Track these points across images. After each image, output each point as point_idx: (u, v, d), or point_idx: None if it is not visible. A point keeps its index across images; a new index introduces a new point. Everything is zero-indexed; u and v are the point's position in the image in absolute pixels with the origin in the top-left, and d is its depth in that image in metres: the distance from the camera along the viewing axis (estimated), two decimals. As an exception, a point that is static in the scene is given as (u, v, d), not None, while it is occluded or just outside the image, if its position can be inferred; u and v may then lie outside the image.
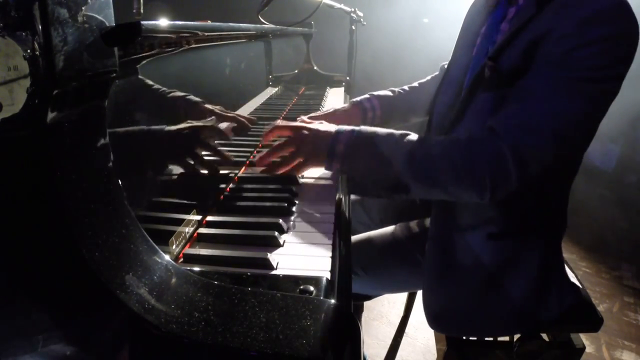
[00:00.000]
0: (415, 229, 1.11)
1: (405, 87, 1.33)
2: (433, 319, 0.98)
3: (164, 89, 0.76)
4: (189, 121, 0.84)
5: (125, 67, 0.61)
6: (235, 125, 1.11)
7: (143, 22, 0.55)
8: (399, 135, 0.85)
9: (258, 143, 1.14)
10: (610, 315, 2.11)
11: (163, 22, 0.68)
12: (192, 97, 0.88)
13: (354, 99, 1.27)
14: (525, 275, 0.91)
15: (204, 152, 0.91)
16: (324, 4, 1.59)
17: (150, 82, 0.71)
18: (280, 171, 0.91)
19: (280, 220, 0.75)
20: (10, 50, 0.39)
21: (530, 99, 0.77)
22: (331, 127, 0.89)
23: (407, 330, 1.84)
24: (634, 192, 3.23)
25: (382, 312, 2.05)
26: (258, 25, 1.38)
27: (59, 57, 0.41)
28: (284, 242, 0.71)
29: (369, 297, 1.24)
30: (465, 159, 0.78)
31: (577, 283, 1.04)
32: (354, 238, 1.13)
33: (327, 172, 1.01)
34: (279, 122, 0.91)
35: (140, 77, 0.67)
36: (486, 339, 1.17)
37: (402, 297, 1.99)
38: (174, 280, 0.51)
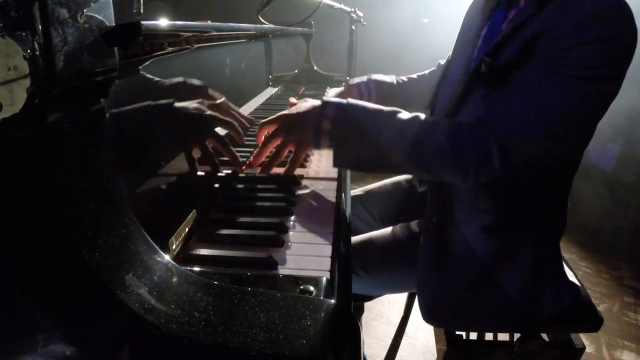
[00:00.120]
0: (415, 229, 1.11)
1: (404, 78, 1.33)
2: (427, 312, 0.99)
3: (163, 80, 0.75)
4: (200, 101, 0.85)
5: (125, 67, 0.61)
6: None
7: (143, 22, 0.55)
8: (388, 113, 0.85)
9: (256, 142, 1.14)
10: (610, 315, 2.11)
11: (163, 22, 0.68)
12: (193, 80, 0.88)
13: (352, 81, 1.28)
14: (519, 270, 0.91)
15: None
16: (324, 4, 1.59)
17: (150, 76, 0.70)
18: (275, 164, 0.91)
19: (281, 220, 0.75)
20: (10, 50, 0.39)
21: (520, 90, 0.78)
22: (316, 103, 0.89)
23: (407, 330, 1.84)
24: (634, 192, 3.23)
25: (382, 312, 2.05)
26: (258, 25, 1.38)
27: (59, 57, 0.41)
28: (284, 242, 0.71)
29: (370, 298, 1.24)
30: (451, 142, 0.80)
31: (577, 283, 1.04)
32: (355, 238, 1.13)
33: (327, 172, 1.02)
34: (263, 120, 0.92)
35: (140, 76, 0.67)
36: (486, 338, 1.17)
37: (402, 297, 1.99)
38: (174, 280, 0.51)
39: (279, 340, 0.44)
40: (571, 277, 1.03)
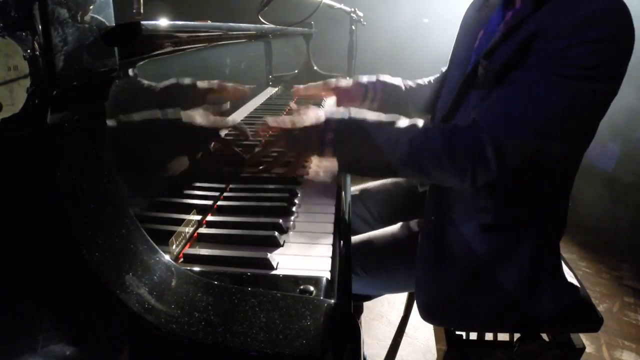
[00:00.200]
0: (415, 229, 1.11)
1: (411, 83, 1.32)
2: (425, 311, 0.99)
3: (156, 84, 0.75)
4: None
5: (125, 67, 0.61)
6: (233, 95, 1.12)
7: (143, 22, 0.55)
8: (387, 122, 0.86)
9: (258, 143, 1.14)
10: (610, 315, 2.11)
11: (163, 22, 0.68)
12: (183, 81, 0.88)
13: (359, 78, 1.27)
14: (517, 269, 0.91)
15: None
16: (324, 4, 1.59)
17: (143, 81, 0.70)
18: (276, 166, 0.92)
19: (280, 220, 0.75)
20: (10, 50, 0.39)
21: (516, 90, 0.78)
22: (320, 117, 0.90)
23: (407, 330, 1.83)
24: (634, 192, 3.23)
25: (382, 312, 2.05)
26: (258, 25, 1.38)
27: (59, 57, 0.41)
28: (284, 242, 0.71)
29: (369, 298, 1.24)
30: (446, 146, 0.80)
31: (577, 283, 1.04)
32: (354, 238, 1.13)
33: (327, 171, 1.02)
34: (269, 120, 0.92)
35: (135, 77, 0.67)
36: (486, 338, 1.17)
37: (402, 297, 1.99)
38: (174, 280, 0.51)
39: (279, 340, 0.44)
40: (571, 277, 1.03)
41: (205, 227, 0.76)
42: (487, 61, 0.85)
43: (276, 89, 1.85)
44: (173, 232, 0.66)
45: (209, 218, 0.79)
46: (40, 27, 0.40)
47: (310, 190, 0.91)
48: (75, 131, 0.46)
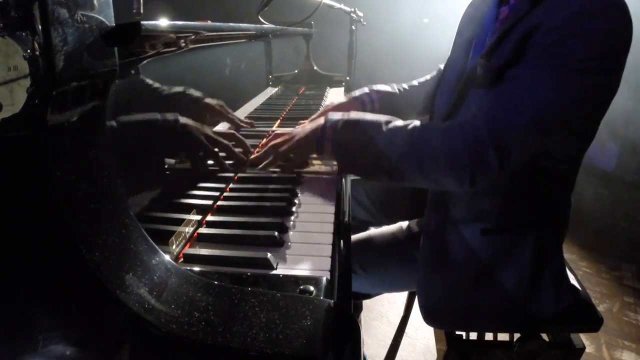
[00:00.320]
0: (415, 229, 1.11)
1: (405, 85, 1.33)
2: (427, 313, 0.99)
3: (163, 87, 0.76)
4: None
5: (125, 67, 0.61)
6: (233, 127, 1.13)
7: (143, 22, 0.55)
8: (384, 121, 0.86)
9: (258, 143, 1.14)
10: (610, 315, 2.11)
11: (163, 22, 0.68)
12: (192, 91, 0.88)
13: (353, 94, 1.28)
14: (519, 270, 0.91)
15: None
16: (324, 4, 1.59)
17: (150, 81, 0.71)
18: (275, 164, 0.96)
19: (280, 220, 0.75)
20: (10, 50, 0.39)
21: (515, 85, 0.77)
22: (319, 121, 0.93)
23: (407, 330, 1.83)
24: (634, 192, 3.23)
25: (382, 312, 2.05)
26: (258, 25, 1.38)
27: (59, 57, 0.41)
28: (284, 242, 0.71)
29: (369, 296, 1.24)
30: (443, 144, 0.79)
31: (577, 283, 1.04)
32: (354, 237, 1.13)
33: (327, 171, 1.02)
34: (274, 138, 0.99)
35: (140, 76, 0.67)
36: (486, 338, 1.17)
37: (402, 297, 1.99)
38: (174, 280, 0.51)
39: (279, 340, 0.44)
40: (571, 277, 1.02)
41: (205, 227, 0.76)
42: (485, 61, 0.84)
43: (276, 89, 1.85)
44: (173, 232, 0.66)
45: (209, 218, 0.79)
46: (40, 27, 0.40)
47: (310, 190, 0.91)
48: (75, 131, 0.46)
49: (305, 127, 0.96)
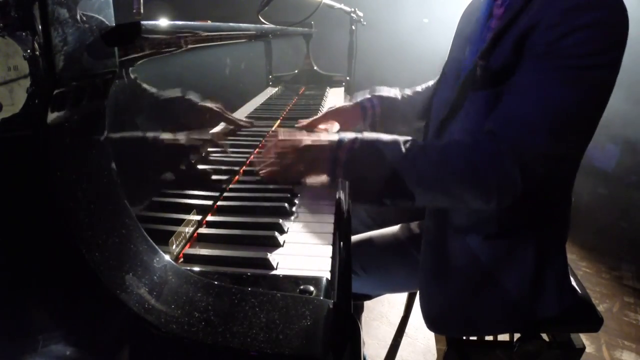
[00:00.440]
0: (415, 230, 1.11)
1: (409, 92, 1.32)
2: (430, 321, 0.98)
3: (160, 91, 0.76)
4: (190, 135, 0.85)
5: (125, 67, 0.61)
6: (232, 127, 1.12)
7: (143, 22, 0.55)
8: (402, 143, 0.82)
9: (258, 143, 1.14)
10: (610, 315, 2.11)
11: (163, 22, 0.68)
12: (190, 97, 0.88)
13: (355, 98, 1.27)
14: (521, 273, 0.91)
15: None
16: (324, 4, 1.59)
17: (146, 86, 0.70)
18: (279, 177, 0.86)
19: (280, 220, 0.75)
20: (10, 50, 0.39)
21: (522, 94, 0.76)
22: (333, 137, 0.85)
23: (407, 330, 1.83)
24: (634, 192, 3.23)
25: (382, 312, 2.05)
26: (258, 25, 1.38)
27: (59, 57, 0.41)
28: (284, 242, 0.71)
29: (369, 297, 1.24)
30: (468, 165, 0.77)
31: (577, 283, 1.04)
32: (354, 238, 1.13)
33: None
34: (281, 137, 0.87)
35: (137, 81, 0.67)
36: (486, 338, 1.17)
37: (402, 297, 1.99)
38: (174, 280, 0.51)
39: (279, 340, 0.44)
40: (571, 277, 1.02)
41: (205, 227, 0.76)
42: (484, 61, 0.84)
43: (276, 89, 1.85)
44: (173, 232, 0.66)
45: (209, 218, 0.79)
46: (40, 27, 0.40)
47: (311, 190, 0.91)
48: (75, 131, 0.46)
49: (312, 142, 0.86)
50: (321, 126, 1.18)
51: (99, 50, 0.47)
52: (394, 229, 1.14)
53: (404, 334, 1.78)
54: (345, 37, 2.60)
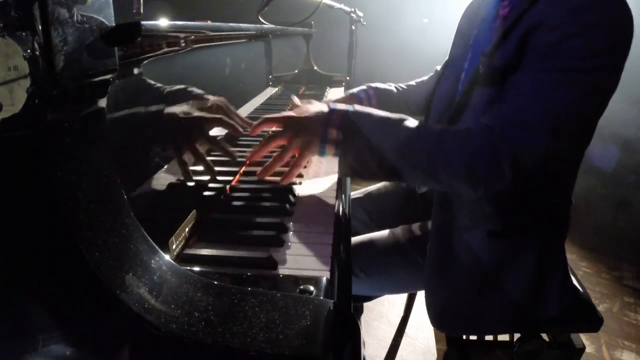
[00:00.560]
0: (416, 232, 1.11)
1: (403, 85, 1.33)
2: (435, 318, 0.98)
3: (165, 86, 0.76)
4: (197, 110, 0.84)
5: (125, 67, 0.61)
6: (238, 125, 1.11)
7: (143, 22, 0.55)
8: (396, 120, 0.83)
9: (258, 143, 1.13)
10: (610, 315, 2.11)
11: (163, 22, 0.68)
12: (194, 88, 0.88)
13: (351, 90, 1.28)
14: (525, 273, 0.91)
15: (207, 151, 0.91)
16: (324, 4, 1.59)
17: (151, 81, 0.71)
18: (275, 168, 0.88)
19: (280, 220, 0.75)
20: (10, 50, 0.39)
21: (523, 93, 0.77)
22: (323, 108, 0.86)
23: (407, 330, 1.84)
24: (634, 192, 3.23)
25: (382, 313, 2.05)
26: (258, 25, 1.38)
27: (59, 57, 0.41)
28: (284, 242, 0.71)
29: (370, 298, 1.24)
30: (461, 152, 0.78)
31: (577, 283, 1.04)
32: (355, 239, 1.13)
33: (327, 172, 1.01)
34: (268, 115, 0.89)
35: (140, 76, 0.67)
36: (486, 338, 1.17)
37: (402, 297, 1.99)
38: (174, 280, 0.51)
39: (279, 340, 0.44)
40: (571, 277, 1.02)
41: (206, 227, 0.76)
42: (488, 59, 0.84)
43: (276, 89, 1.85)
44: (173, 232, 0.66)
45: (209, 218, 0.78)
46: (40, 27, 0.40)
47: (311, 190, 0.91)
48: (75, 131, 0.46)
49: (305, 108, 0.87)
50: None
51: (99, 50, 0.47)
52: (395, 230, 1.14)
53: (404, 334, 1.78)
54: (345, 37, 2.61)
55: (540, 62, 0.75)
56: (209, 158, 0.92)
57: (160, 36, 0.70)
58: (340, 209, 0.85)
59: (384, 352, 1.73)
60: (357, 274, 1.08)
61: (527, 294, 0.92)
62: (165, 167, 0.78)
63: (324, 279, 0.59)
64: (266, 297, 0.50)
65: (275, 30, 1.63)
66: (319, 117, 0.84)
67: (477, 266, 0.93)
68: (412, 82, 1.34)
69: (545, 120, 0.75)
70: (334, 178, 0.97)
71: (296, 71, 2.26)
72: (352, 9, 2.41)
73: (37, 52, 0.40)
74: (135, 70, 0.65)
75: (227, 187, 0.91)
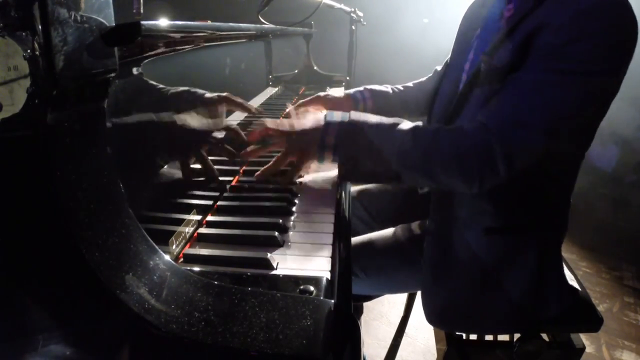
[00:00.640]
0: (416, 231, 1.11)
1: (400, 87, 1.33)
2: (431, 316, 0.99)
3: (167, 87, 0.76)
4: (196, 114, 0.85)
5: (125, 66, 0.61)
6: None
7: (143, 22, 0.55)
8: (390, 124, 0.84)
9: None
10: (610, 315, 2.11)
11: (163, 22, 0.68)
12: (197, 90, 0.88)
13: (348, 91, 1.28)
14: (523, 272, 0.91)
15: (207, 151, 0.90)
16: (324, 4, 1.59)
17: (152, 82, 0.71)
18: (272, 173, 0.89)
19: (280, 220, 0.75)
20: (10, 50, 0.39)
21: (521, 91, 0.77)
22: (319, 119, 0.88)
23: (407, 330, 1.83)
24: (634, 192, 3.23)
25: (382, 312, 2.05)
26: (258, 25, 1.38)
27: (59, 57, 0.41)
28: (284, 242, 0.71)
29: (370, 298, 1.24)
30: (455, 151, 0.79)
31: (577, 283, 1.04)
32: (355, 240, 1.13)
33: (327, 172, 1.01)
34: (267, 122, 0.90)
35: (141, 76, 0.67)
36: (486, 338, 1.17)
37: (402, 297, 1.99)
38: (174, 280, 0.51)
39: (279, 340, 0.44)
40: (571, 277, 1.02)
41: (205, 227, 0.76)
42: (489, 58, 0.84)
43: (276, 89, 1.85)
44: (173, 232, 0.66)
45: (209, 218, 0.79)
46: (40, 27, 0.40)
47: (310, 190, 0.91)
48: (75, 131, 0.46)
49: (302, 122, 0.89)
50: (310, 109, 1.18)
51: (99, 50, 0.47)
52: (395, 230, 1.14)
53: (404, 334, 1.78)
54: (345, 37, 2.61)
55: (543, 63, 0.75)
56: (209, 158, 0.92)
57: (160, 36, 0.70)
58: (341, 208, 0.85)
59: (384, 352, 1.73)
60: (357, 274, 1.08)
61: (526, 294, 0.92)
62: (166, 166, 0.78)
63: (324, 279, 0.59)
64: (266, 297, 0.50)
65: (275, 30, 1.63)
66: (316, 126, 0.86)
67: (476, 265, 0.93)
68: (409, 84, 1.34)
69: (544, 120, 0.75)
70: (334, 175, 0.97)
71: (296, 71, 2.26)
72: (352, 9, 2.41)
73: (37, 52, 0.40)
74: (135, 70, 0.65)
75: (227, 187, 0.91)
